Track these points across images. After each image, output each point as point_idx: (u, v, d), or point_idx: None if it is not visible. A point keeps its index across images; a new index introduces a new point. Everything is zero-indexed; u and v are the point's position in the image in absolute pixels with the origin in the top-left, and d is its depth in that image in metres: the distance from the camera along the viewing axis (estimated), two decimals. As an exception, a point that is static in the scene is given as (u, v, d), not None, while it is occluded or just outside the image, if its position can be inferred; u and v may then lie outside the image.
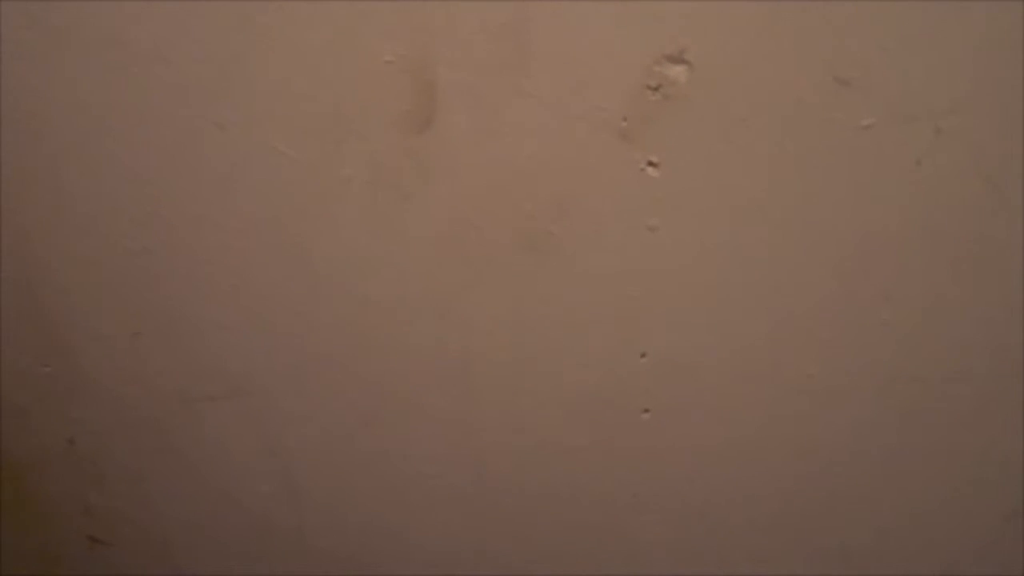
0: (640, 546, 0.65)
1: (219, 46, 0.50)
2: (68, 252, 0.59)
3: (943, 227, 0.49)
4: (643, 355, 0.58)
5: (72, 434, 0.70)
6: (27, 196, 0.58)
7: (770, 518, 0.61)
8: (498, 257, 0.55)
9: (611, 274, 0.55)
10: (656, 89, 0.48)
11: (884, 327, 0.53)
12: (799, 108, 0.47)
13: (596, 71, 0.48)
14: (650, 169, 0.51)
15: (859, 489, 0.59)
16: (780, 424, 0.58)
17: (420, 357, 0.60)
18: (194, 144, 0.53)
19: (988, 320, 0.52)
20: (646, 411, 0.60)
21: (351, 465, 0.67)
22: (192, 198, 0.55)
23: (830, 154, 0.48)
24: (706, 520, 0.62)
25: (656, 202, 0.52)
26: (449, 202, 0.53)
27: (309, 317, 0.59)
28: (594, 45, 0.47)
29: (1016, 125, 0.45)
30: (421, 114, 0.51)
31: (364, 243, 0.56)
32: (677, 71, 0.48)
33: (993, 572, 0.61)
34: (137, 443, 0.70)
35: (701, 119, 0.49)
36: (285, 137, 0.52)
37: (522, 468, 0.63)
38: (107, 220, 0.57)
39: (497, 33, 0.47)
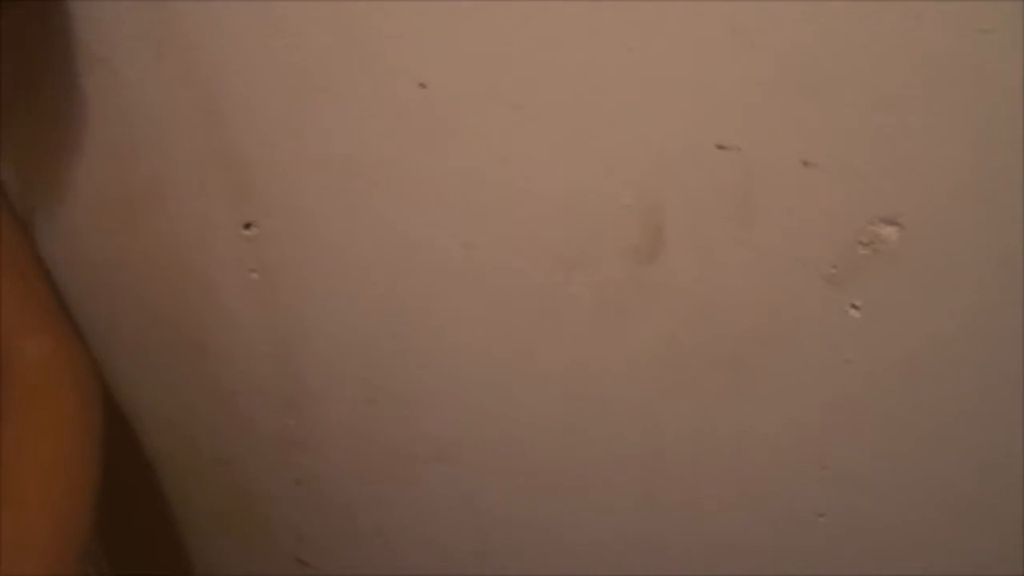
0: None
1: (478, 178, 0.57)
2: (326, 332, 0.67)
3: None
4: (823, 468, 0.62)
5: (299, 476, 0.79)
6: (295, 283, 0.66)
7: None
8: (700, 372, 0.60)
9: (802, 396, 0.59)
10: (867, 245, 0.52)
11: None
12: (1001, 267, 0.50)
13: (813, 227, 0.52)
14: (852, 311, 0.55)
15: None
16: (950, 544, 0.61)
17: (616, 446, 0.65)
18: (443, 260, 0.60)
19: None
20: (821, 515, 0.64)
21: (540, 530, 0.73)
22: (436, 303, 0.62)
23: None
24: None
25: (854, 339, 0.56)
26: (663, 322, 0.58)
27: (522, 405, 0.66)
28: (814, 205, 0.51)
29: None
30: (647, 249, 0.56)
31: (583, 349, 0.61)
32: (889, 231, 0.51)
33: None
34: (353, 489, 0.78)
35: (906, 272, 0.52)
36: (525, 258, 0.58)
37: (701, 556, 0.68)
38: (362, 312, 0.65)
39: (726, 190, 0.52)
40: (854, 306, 0.55)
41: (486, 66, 0.52)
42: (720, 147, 0.51)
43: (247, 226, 0.64)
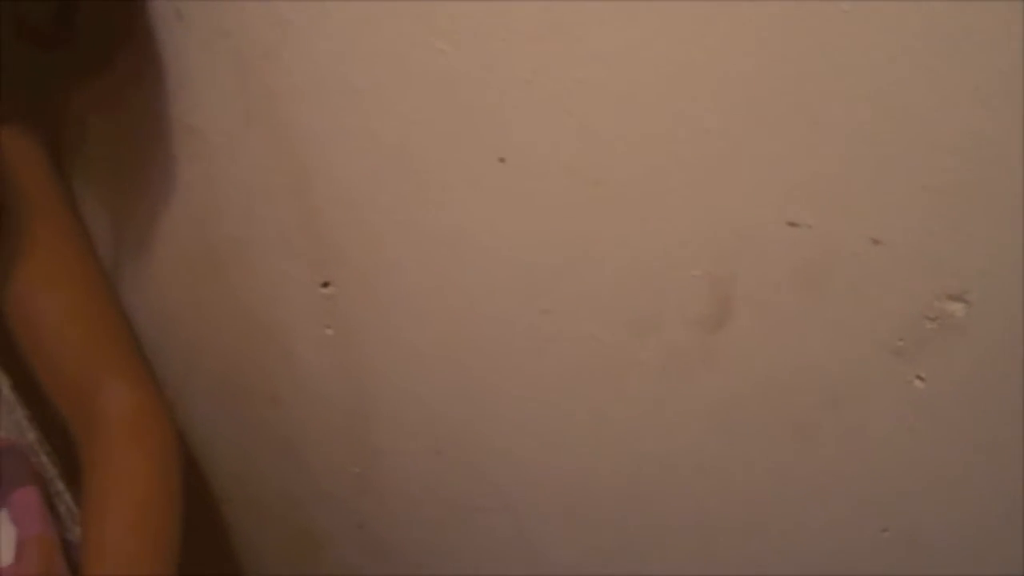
0: None
1: (554, 248, 0.58)
2: (396, 386, 0.69)
3: None
4: (884, 530, 0.62)
5: (363, 520, 0.81)
6: (368, 339, 0.68)
7: None
8: (763, 437, 0.61)
9: (865, 461, 0.60)
10: (934, 320, 0.53)
11: None
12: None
13: (881, 302, 0.53)
14: (917, 381, 0.55)
15: None
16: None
17: (678, 506, 0.66)
18: (517, 323, 0.61)
19: None
20: (881, 577, 0.64)
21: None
22: (507, 362, 0.64)
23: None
24: None
25: (918, 409, 0.56)
26: (729, 388, 0.59)
27: (587, 462, 0.67)
28: (883, 282, 0.52)
29: None
30: (716, 318, 0.57)
31: (648, 411, 0.62)
32: (956, 307, 0.52)
33: None
34: (416, 536, 0.79)
35: (971, 346, 0.53)
36: (597, 323, 0.60)
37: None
38: (432, 368, 0.67)
39: (796, 265, 0.53)
40: (919, 377, 0.55)
41: (564, 142, 0.54)
42: (791, 224, 0.52)
43: (325, 284, 0.66)
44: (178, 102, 0.63)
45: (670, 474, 0.65)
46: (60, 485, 0.66)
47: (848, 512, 0.62)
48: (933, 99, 0.46)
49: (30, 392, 0.70)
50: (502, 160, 0.55)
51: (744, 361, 0.58)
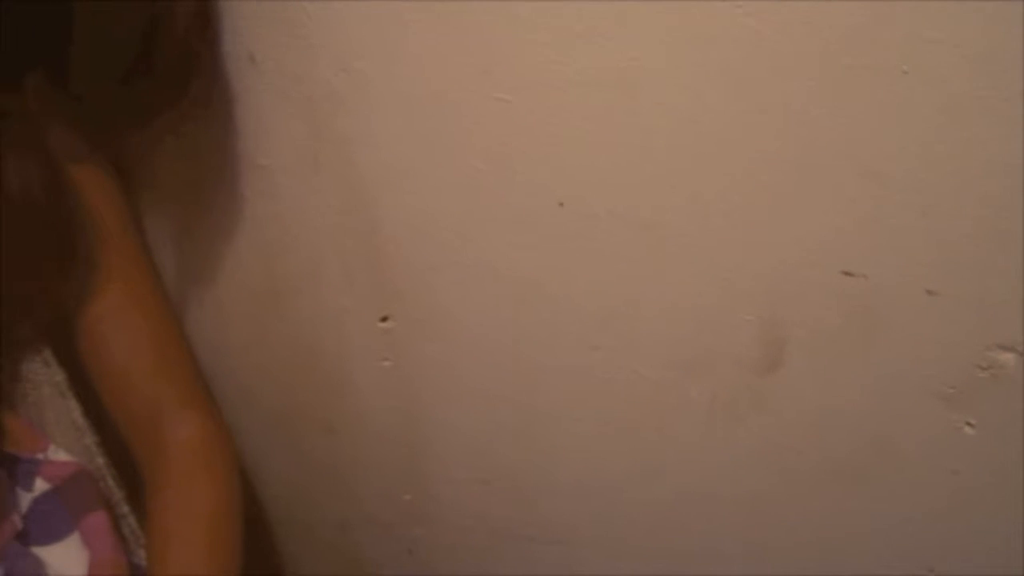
0: None
1: (609, 289, 0.59)
2: (448, 417, 0.71)
3: None
4: (930, 570, 0.63)
5: (413, 545, 0.82)
6: (423, 372, 0.70)
7: None
8: (811, 477, 0.61)
9: (912, 504, 0.60)
10: (985, 369, 0.53)
11: None
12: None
13: (934, 351, 0.53)
14: (967, 428, 0.56)
15: None
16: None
17: (724, 543, 0.67)
18: (568, 360, 0.63)
19: None
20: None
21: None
22: (557, 396, 0.65)
23: None
24: None
25: (967, 455, 0.57)
26: (776, 429, 0.60)
27: (635, 496, 0.68)
28: (936, 331, 0.53)
29: None
30: (767, 362, 0.58)
31: (696, 449, 0.63)
32: (1007, 357, 0.53)
33: None
34: (464, 563, 0.80)
35: (1022, 394, 0.54)
36: (647, 362, 0.61)
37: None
38: (484, 400, 0.68)
39: (849, 313, 0.54)
40: (969, 424, 0.56)
41: (621, 188, 0.56)
42: (846, 273, 0.53)
43: (384, 319, 0.68)
44: (248, 142, 0.65)
45: (717, 509, 0.66)
46: (125, 508, 0.68)
47: (894, 554, 0.62)
48: (986, 153, 0.47)
49: (94, 416, 0.72)
50: (561, 204, 0.57)
51: (793, 404, 0.59)
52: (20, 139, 0.60)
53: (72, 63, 0.60)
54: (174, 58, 0.58)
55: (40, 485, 0.64)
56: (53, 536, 0.63)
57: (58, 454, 0.66)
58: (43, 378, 0.67)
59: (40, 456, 0.65)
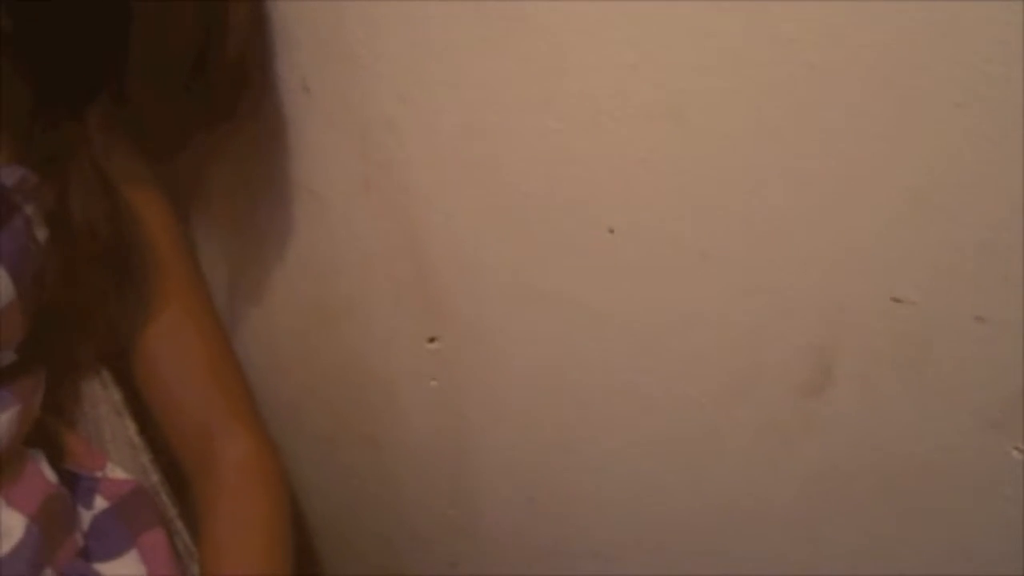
0: None
1: (658, 312, 0.60)
2: (494, 436, 0.71)
3: None
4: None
5: (456, 560, 0.82)
6: (470, 392, 0.70)
7: None
8: (857, 501, 0.61)
9: (959, 528, 0.60)
10: (1034, 394, 0.53)
11: None
12: None
13: (982, 377, 0.53)
14: (1015, 452, 0.56)
15: None
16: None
17: (769, 565, 0.67)
18: (616, 382, 0.63)
19: None
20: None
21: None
22: (603, 416, 0.66)
23: None
24: None
25: (1014, 479, 0.57)
26: (824, 452, 0.60)
27: (680, 515, 0.68)
28: (985, 357, 0.53)
29: None
30: (815, 384, 0.58)
31: (743, 469, 0.63)
32: (1056, 383, 0.53)
33: None
34: (506, 577, 0.81)
35: (1071, 420, 0.54)
36: (695, 383, 0.61)
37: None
38: (530, 420, 0.69)
39: (899, 339, 0.54)
40: (1018, 449, 0.56)
41: (671, 215, 0.56)
42: (896, 300, 0.53)
43: (432, 340, 0.69)
44: (300, 169, 0.66)
45: (761, 530, 0.66)
46: (179, 524, 0.69)
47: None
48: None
49: (148, 435, 0.73)
50: (611, 231, 0.57)
51: (841, 428, 0.59)
52: (85, 171, 0.62)
53: (131, 79, 0.60)
54: (228, 67, 0.59)
55: (99, 503, 0.65)
56: (112, 553, 0.64)
57: (115, 472, 0.67)
58: (101, 397, 0.68)
59: (99, 474, 0.66)
